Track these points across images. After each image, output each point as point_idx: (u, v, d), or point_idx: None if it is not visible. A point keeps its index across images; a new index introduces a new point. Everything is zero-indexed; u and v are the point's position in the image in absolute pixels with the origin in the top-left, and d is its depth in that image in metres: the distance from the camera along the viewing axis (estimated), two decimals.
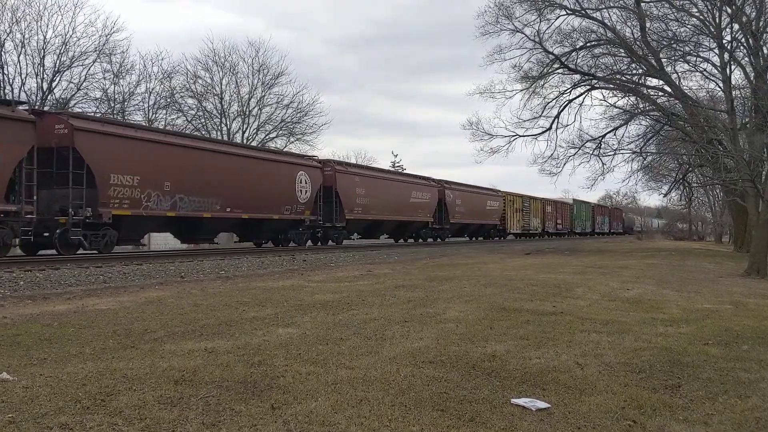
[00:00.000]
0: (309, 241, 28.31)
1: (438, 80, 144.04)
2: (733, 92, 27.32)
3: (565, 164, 34.67)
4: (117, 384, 4.74)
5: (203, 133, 41.51)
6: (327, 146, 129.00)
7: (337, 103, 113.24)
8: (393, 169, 62.34)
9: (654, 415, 4.28)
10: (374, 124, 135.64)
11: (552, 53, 32.36)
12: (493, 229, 47.45)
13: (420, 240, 38.74)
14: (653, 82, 32.32)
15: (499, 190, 50.15)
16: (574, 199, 69.05)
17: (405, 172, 50.94)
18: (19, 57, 33.00)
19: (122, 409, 4.15)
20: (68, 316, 8.00)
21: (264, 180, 23.84)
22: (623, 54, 31.77)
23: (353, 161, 58.38)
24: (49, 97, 33.30)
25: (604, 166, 34.52)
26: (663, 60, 30.00)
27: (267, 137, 45.92)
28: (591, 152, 34.21)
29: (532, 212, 53.66)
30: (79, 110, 32.34)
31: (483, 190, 45.98)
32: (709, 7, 27.54)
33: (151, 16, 78.14)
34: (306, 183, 26.26)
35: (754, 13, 25.60)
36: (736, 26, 26.46)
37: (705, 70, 30.26)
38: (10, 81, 32.93)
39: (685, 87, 30.84)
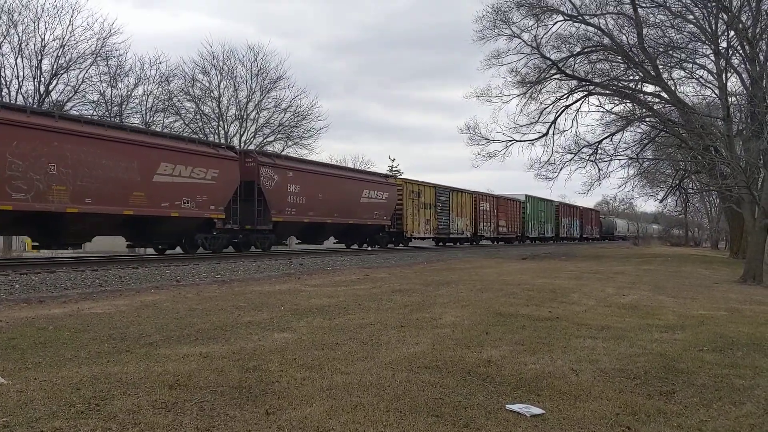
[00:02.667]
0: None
1: (430, 86, 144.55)
2: (730, 99, 27.35)
3: (561, 169, 34.87)
4: (112, 388, 4.74)
5: (200, 136, 41.45)
6: (323, 151, 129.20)
7: (330, 108, 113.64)
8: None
9: (648, 422, 4.29)
10: (368, 129, 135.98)
11: (549, 59, 32.49)
12: (382, 232, 34.32)
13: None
14: (649, 88, 32.46)
15: (392, 176, 39.51)
16: (527, 196, 55.71)
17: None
18: (16, 60, 32.96)
19: (116, 414, 4.15)
20: (64, 319, 7.98)
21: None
22: (620, 60, 31.86)
23: (353, 166, 57.94)
24: (46, 100, 33.25)
25: (601, 172, 34.67)
26: (659, 66, 30.10)
27: (264, 141, 45.90)
28: (587, 158, 34.36)
29: (454, 209, 41.39)
30: (76, 113, 32.28)
31: (354, 174, 33.31)
32: (706, 15, 27.63)
33: (140, 22, 78.23)
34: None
35: (750, 20, 25.68)
36: (732, 33, 26.56)
37: (701, 76, 30.36)
38: (7, 84, 32.89)
39: (681, 93, 30.93)
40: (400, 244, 36.80)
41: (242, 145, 43.04)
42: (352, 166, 53.67)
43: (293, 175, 26.02)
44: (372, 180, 32.85)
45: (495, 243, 51.01)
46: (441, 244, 43.61)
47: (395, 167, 72.63)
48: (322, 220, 28.03)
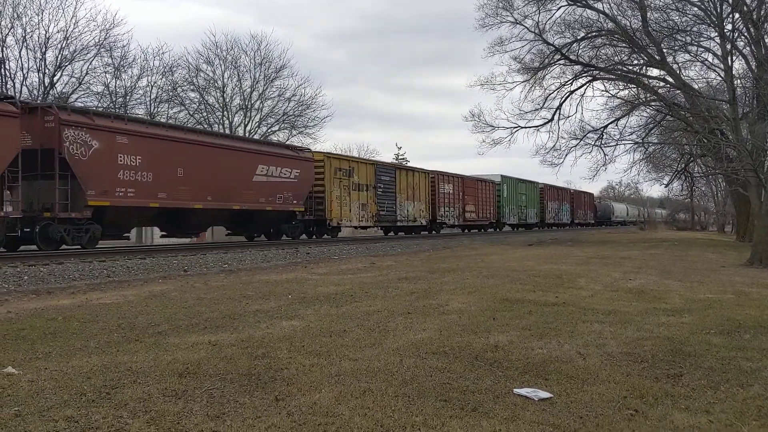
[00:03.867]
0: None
1: (432, 73, 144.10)
2: (735, 82, 27.21)
3: (566, 155, 34.60)
4: (122, 377, 4.77)
5: (204, 126, 41.48)
6: (327, 140, 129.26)
7: (331, 96, 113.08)
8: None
9: (656, 404, 4.30)
10: (371, 117, 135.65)
11: (552, 45, 32.27)
12: (294, 220, 27.12)
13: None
14: (654, 72, 32.25)
15: (306, 148, 30.48)
16: (503, 176, 48.29)
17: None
18: (20, 52, 33.00)
19: (127, 402, 4.18)
20: (72, 310, 8.03)
21: None
22: (624, 44, 31.66)
23: (357, 155, 57.43)
24: (50, 92, 33.30)
25: (606, 157, 34.47)
26: (664, 50, 29.90)
27: (269, 130, 45.90)
28: (593, 143, 34.16)
29: (403, 192, 34.47)
30: (81, 104, 32.31)
31: (243, 144, 25.97)
32: None
33: (140, 13, 77.92)
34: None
35: (754, 3, 25.50)
36: (737, 15, 26.37)
37: (706, 60, 30.17)
38: (12, 76, 32.94)
39: (686, 77, 30.76)
40: (325, 235, 29.33)
41: (246, 134, 43.01)
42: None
43: (129, 142, 19.13)
44: (272, 153, 25.66)
45: (466, 231, 44.86)
46: (378, 232, 38.49)
47: (401, 155, 72.36)
48: (186, 204, 21.12)
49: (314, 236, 29.07)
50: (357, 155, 53.58)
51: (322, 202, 28.27)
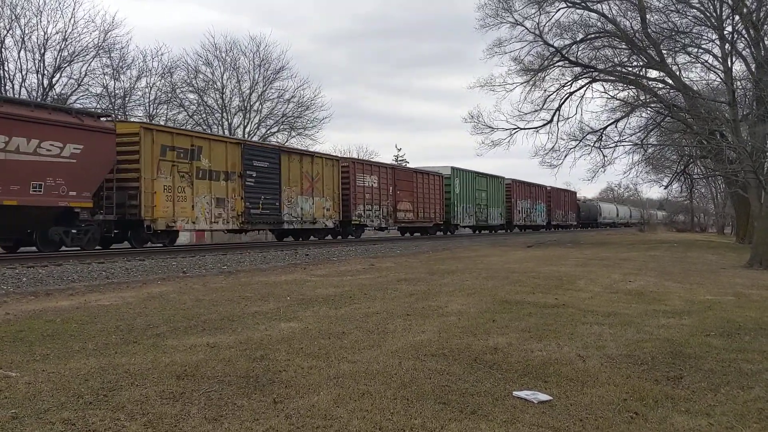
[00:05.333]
0: None
1: (430, 74, 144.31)
2: (735, 83, 27.21)
3: (566, 156, 34.63)
4: (119, 379, 4.75)
5: (204, 128, 41.49)
6: (326, 141, 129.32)
7: (330, 97, 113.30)
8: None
9: (656, 407, 4.28)
10: (369, 118, 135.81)
11: (552, 46, 32.32)
12: (71, 218, 17.27)
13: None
14: (654, 73, 32.28)
15: (93, 113, 19.13)
16: (454, 169, 39.77)
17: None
18: (19, 53, 33.01)
19: (125, 404, 4.16)
20: (71, 311, 8.01)
21: None
22: (624, 46, 31.69)
23: (356, 156, 56.94)
24: (50, 94, 33.30)
25: (605, 158, 34.49)
26: (663, 52, 29.93)
27: (268, 132, 45.92)
28: (592, 144, 34.19)
29: (292, 184, 25.65)
30: (79, 106, 32.31)
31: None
32: None
33: (137, 15, 77.91)
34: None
35: (754, 4, 25.51)
36: (737, 17, 26.38)
37: (706, 61, 30.20)
38: (11, 77, 32.95)
39: (685, 78, 30.77)
40: (151, 243, 20.50)
41: (245, 135, 43.02)
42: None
43: None
44: (19, 116, 15.63)
45: (407, 235, 38.01)
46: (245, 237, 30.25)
47: (401, 156, 72.33)
48: None
49: (132, 244, 20.44)
50: (356, 155, 52.93)
51: (136, 195, 19.04)
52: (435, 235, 38.42)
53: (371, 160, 36.14)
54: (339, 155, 32.42)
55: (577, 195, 70.69)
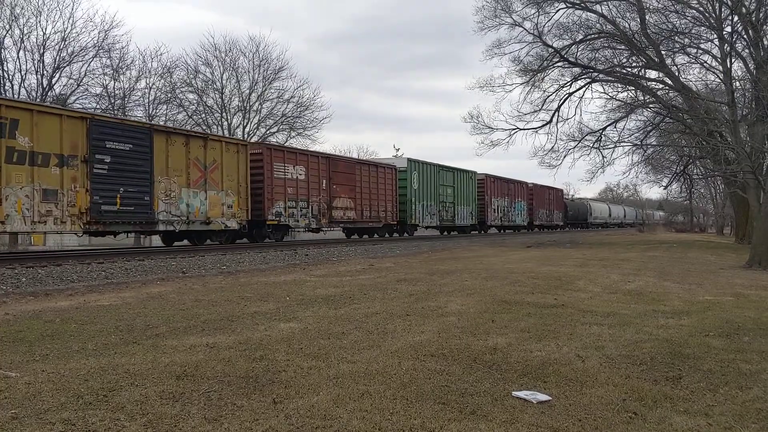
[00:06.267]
0: None
1: (427, 76, 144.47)
2: (734, 84, 27.21)
3: (565, 157, 34.70)
4: (119, 379, 4.76)
5: (203, 128, 41.51)
6: (326, 142, 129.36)
7: (329, 98, 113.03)
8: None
9: (655, 407, 4.29)
10: (366, 119, 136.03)
11: (552, 47, 32.32)
12: None
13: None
14: (653, 74, 32.30)
15: None
16: (411, 160, 34.42)
17: None
18: (18, 53, 32.97)
19: (124, 405, 4.17)
20: (70, 312, 8.01)
21: None
22: (623, 47, 31.70)
23: (357, 157, 56.82)
24: (49, 94, 33.28)
25: (605, 159, 34.54)
26: (662, 52, 29.94)
27: (268, 132, 45.92)
28: (591, 145, 34.23)
29: (176, 174, 20.17)
30: (79, 106, 32.30)
31: None
32: None
33: (134, 15, 77.88)
34: None
35: (753, 5, 25.52)
36: (735, 18, 26.38)
37: (705, 62, 30.21)
38: (10, 77, 32.93)
39: (684, 79, 30.77)
40: None
41: (245, 136, 43.04)
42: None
43: None
44: None
45: (356, 236, 32.77)
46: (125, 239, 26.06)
47: (400, 156, 72.21)
48: None
49: None
50: (356, 156, 52.61)
51: None
52: (386, 237, 33.08)
53: (295, 147, 30.52)
54: (247, 140, 24.98)
55: (564, 192, 65.59)
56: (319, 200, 27.08)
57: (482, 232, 44.52)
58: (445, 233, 41.25)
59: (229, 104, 45.16)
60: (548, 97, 34.05)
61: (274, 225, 24.74)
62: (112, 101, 36.36)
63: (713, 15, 27.24)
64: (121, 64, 36.45)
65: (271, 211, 24.32)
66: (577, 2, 30.87)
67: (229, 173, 22.20)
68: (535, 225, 53.77)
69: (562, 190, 62.24)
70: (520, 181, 50.25)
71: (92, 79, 35.25)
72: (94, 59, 35.03)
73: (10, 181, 15.52)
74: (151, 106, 38.83)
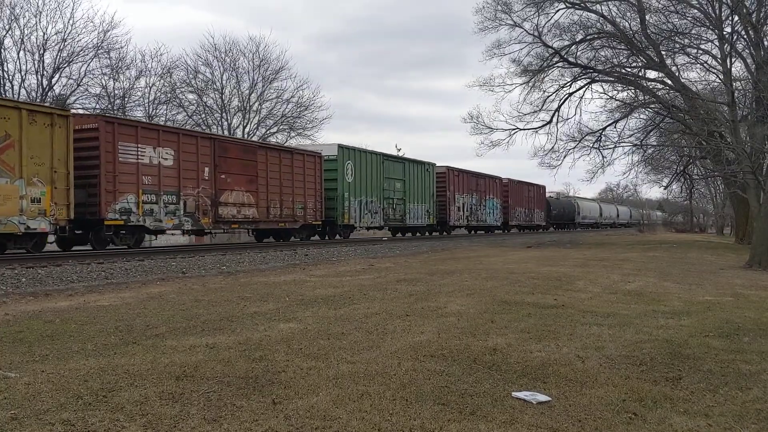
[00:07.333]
0: None
1: (425, 76, 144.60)
2: (734, 84, 27.23)
3: (565, 157, 34.68)
4: (119, 380, 4.75)
5: (203, 128, 41.50)
6: (325, 142, 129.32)
7: (329, 98, 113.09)
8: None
9: (655, 408, 4.28)
10: (365, 119, 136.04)
11: (551, 47, 32.33)
12: None
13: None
14: (653, 74, 32.31)
15: None
16: (343, 147, 28.94)
17: None
18: (18, 54, 33.00)
19: (124, 405, 4.16)
20: (70, 312, 8.01)
21: None
22: (623, 47, 31.70)
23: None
24: (49, 94, 33.30)
25: (604, 159, 34.55)
26: (663, 52, 29.94)
27: (268, 132, 45.93)
28: (591, 145, 34.24)
29: None
30: (80, 106, 32.30)
31: None
32: None
33: (133, 15, 77.85)
34: None
35: (754, 5, 25.53)
36: (736, 18, 26.40)
37: (705, 62, 30.21)
38: (10, 78, 32.94)
39: (684, 79, 30.78)
40: None
41: (245, 136, 43.02)
42: None
43: None
44: None
45: (268, 240, 26.77)
46: None
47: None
48: None
49: None
50: None
51: None
52: (309, 240, 27.41)
53: (157, 123, 24.85)
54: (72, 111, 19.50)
55: (547, 190, 59.10)
56: (197, 194, 21.04)
57: (444, 233, 39.71)
58: (400, 234, 36.78)
59: (229, 104, 45.24)
60: (548, 97, 34.09)
61: (118, 225, 18.58)
62: (112, 101, 36.37)
63: (713, 15, 27.26)
64: (120, 64, 36.49)
65: (114, 207, 18.21)
66: (577, 2, 30.88)
67: (39, 156, 15.92)
68: (512, 225, 48.80)
69: (544, 187, 56.93)
70: (493, 176, 45.06)
71: (92, 79, 35.32)
72: (94, 59, 35.08)
73: None
74: (150, 106, 38.86)
